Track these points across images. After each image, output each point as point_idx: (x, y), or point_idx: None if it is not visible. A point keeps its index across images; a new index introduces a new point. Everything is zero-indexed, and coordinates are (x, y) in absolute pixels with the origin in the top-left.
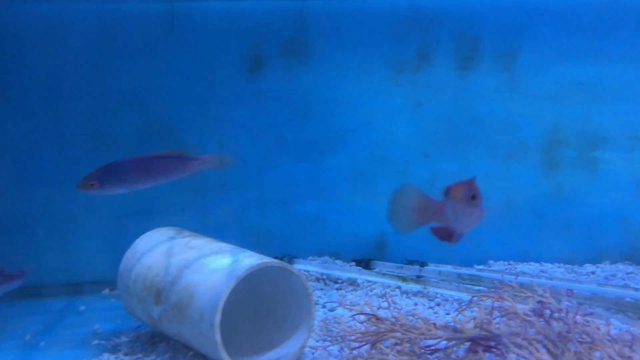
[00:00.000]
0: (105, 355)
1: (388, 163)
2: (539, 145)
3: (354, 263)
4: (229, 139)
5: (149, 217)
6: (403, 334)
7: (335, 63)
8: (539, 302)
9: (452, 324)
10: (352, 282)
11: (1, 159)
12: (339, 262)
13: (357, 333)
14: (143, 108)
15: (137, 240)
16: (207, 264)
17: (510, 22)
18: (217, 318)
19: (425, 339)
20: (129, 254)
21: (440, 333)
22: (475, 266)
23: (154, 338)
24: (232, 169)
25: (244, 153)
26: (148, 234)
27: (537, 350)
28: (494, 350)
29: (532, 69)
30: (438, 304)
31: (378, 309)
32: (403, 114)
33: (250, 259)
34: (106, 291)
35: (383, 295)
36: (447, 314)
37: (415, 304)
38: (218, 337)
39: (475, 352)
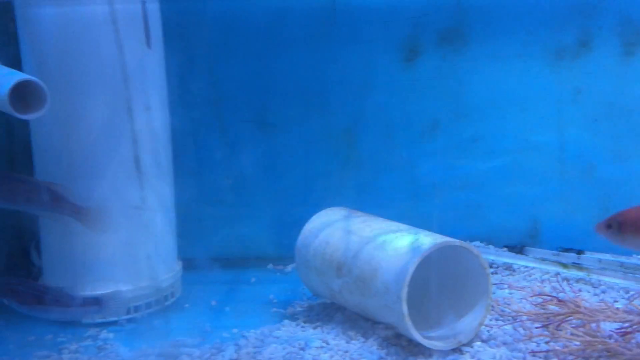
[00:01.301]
0: (286, 322)
1: (542, 151)
2: None
3: (506, 249)
4: (382, 126)
5: (306, 199)
6: (588, 315)
7: (491, 51)
8: None
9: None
10: (508, 267)
11: (180, 143)
12: (491, 246)
13: (533, 314)
14: (304, 96)
15: (313, 218)
16: (388, 241)
17: None
18: (404, 291)
19: (613, 321)
20: (305, 230)
21: (629, 317)
22: (635, 255)
23: (327, 309)
24: (384, 155)
25: (397, 140)
26: (322, 212)
27: None
28: None
29: None
30: (604, 292)
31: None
32: (561, 102)
33: (430, 237)
34: (270, 266)
35: (542, 281)
36: (615, 301)
37: (579, 290)
38: (405, 309)
39: None
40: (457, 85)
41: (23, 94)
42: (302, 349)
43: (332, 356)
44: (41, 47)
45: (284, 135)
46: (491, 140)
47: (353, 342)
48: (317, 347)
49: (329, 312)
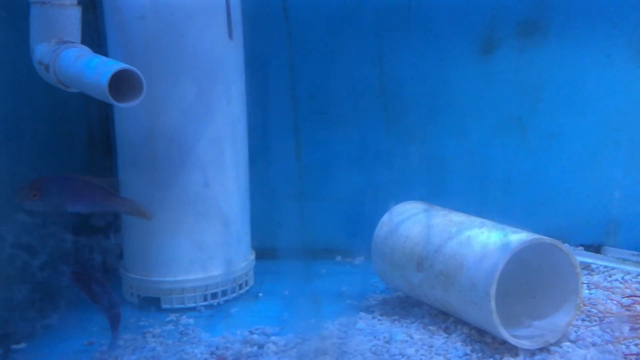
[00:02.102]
0: (362, 314)
1: (622, 148)
2: None
3: (582, 248)
4: (457, 119)
5: (376, 194)
6: None
7: (571, 45)
8: None
9: None
10: (586, 267)
11: (253, 133)
12: (566, 245)
13: (621, 315)
14: (375, 89)
15: (390, 211)
16: (474, 236)
17: None
18: (493, 288)
19: None
20: (382, 224)
21: None
22: None
23: (403, 303)
24: (456, 150)
25: (470, 135)
26: (399, 206)
27: None
28: None
29: None
30: None
31: (622, 297)
32: None
33: (519, 235)
34: (339, 258)
35: (624, 282)
36: None
37: None
38: (493, 305)
39: None
40: (535, 80)
41: (118, 83)
42: (388, 342)
43: (417, 350)
44: (128, 37)
45: (354, 128)
46: (569, 135)
47: (436, 337)
48: (401, 341)
49: (404, 306)
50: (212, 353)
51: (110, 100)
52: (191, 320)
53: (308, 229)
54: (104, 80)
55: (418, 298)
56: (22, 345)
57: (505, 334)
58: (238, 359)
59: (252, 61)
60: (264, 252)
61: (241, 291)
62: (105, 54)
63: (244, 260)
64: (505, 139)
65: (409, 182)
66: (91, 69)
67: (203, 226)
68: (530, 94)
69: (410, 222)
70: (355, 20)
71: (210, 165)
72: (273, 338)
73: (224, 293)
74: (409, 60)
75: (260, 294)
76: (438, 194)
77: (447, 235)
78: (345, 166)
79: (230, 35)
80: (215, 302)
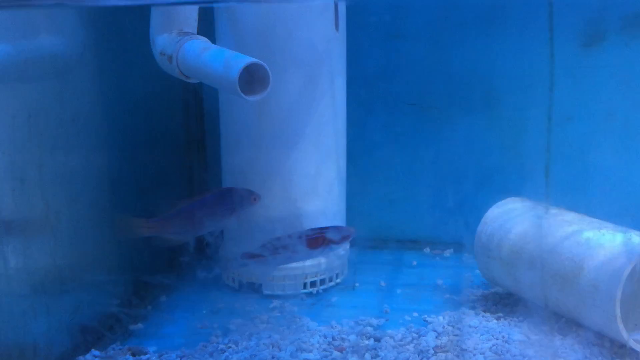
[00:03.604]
0: (465, 310)
1: None
2: None
3: None
4: (553, 113)
5: (465, 186)
6: None
7: None
8: None
9: None
10: None
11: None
12: None
13: None
14: (469, 81)
15: (493, 208)
16: (594, 238)
17: None
18: (618, 293)
19: None
20: (486, 219)
21: None
22: None
23: (504, 299)
24: (555, 145)
25: (570, 130)
26: (503, 203)
27: None
28: None
29: None
30: None
31: None
32: None
33: None
34: (427, 250)
35: None
36: None
37: None
38: (617, 310)
39: None
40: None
41: (243, 77)
42: (506, 341)
43: (537, 351)
44: (238, 29)
45: (447, 120)
46: None
47: (551, 338)
48: (519, 341)
49: (506, 303)
50: (329, 344)
51: (239, 94)
52: (295, 308)
53: (396, 219)
54: (235, 74)
55: (525, 296)
56: (140, 326)
57: (630, 340)
58: (356, 351)
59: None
60: (352, 242)
61: (337, 280)
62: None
63: (342, 249)
64: (606, 137)
65: (500, 178)
66: (220, 62)
67: (305, 215)
68: (634, 89)
69: (519, 219)
70: (452, 10)
71: (315, 156)
72: (390, 332)
73: (322, 282)
74: (506, 51)
75: (357, 284)
76: (533, 191)
77: (562, 235)
78: (435, 157)
79: (336, 27)
80: (314, 290)
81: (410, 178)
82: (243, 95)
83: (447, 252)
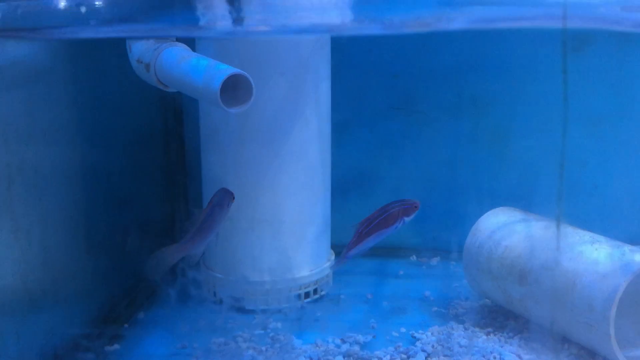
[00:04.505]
0: (453, 324)
1: None
2: None
3: None
4: (540, 120)
5: (451, 193)
6: None
7: None
8: None
9: None
10: None
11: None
12: None
13: None
14: (456, 84)
15: (482, 218)
16: (586, 252)
17: None
18: (612, 311)
19: None
20: (475, 230)
21: None
22: None
23: (494, 313)
24: (541, 152)
25: (558, 135)
26: (492, 213)
27: None
28: None
29: None
30: None
31: None
32: None
33: (638, 253)
34: (413, 257)
35: None
36: None
37: None
38: (612, 330)
39: None
40: (626, 79)
41: (225, 85)
42: None
43: None
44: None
45: (434, 125)
46: None
47: (544, 356)
48: None
49: (495, 316)
50: None
51: (221, 105)
52: (279, 325)
53: None
54: (216, 85)
55: (516, 311)
56: (116, 347)
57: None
58: None
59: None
60: (335, 249)
61: (322, 292)
62: (194, 51)
63: (326, 260)
64: (595, 141)
65: (489, 184)
66: (199, 73)
67: (289, 225)
68: (621, 94)
69: (508, 230)
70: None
71: (299, 165)
72: (378, 353)
73: (306, 295)
74: (493, 52)
75: (342, 296)
76: (521, 199)
77: (554, 249)
78: (420, 163)
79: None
80: (298, 304)
81: (394, 183)
82: (225, 107)
83: (434, 260)
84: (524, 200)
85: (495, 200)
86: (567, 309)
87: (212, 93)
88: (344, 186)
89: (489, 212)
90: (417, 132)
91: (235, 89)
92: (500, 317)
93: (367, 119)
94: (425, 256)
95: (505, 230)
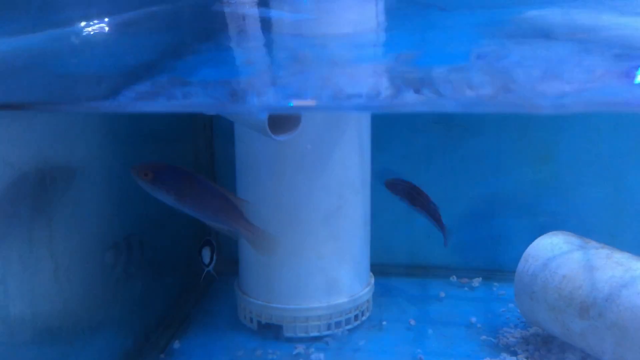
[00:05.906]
0: (505, 356)
1: None
2: None
3: None
4: (587, 135)
5: (492, 210)
6: None
7: None
8: None
9: None
10: None
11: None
12: None
13: None
14: None
15: (534, 244)
16: None
17: None
18: None
19: None
20: (527, 256)
21: None
22: None
23: (547, 343)
24: (588, 168)
25: (604, 151)
26: (544, 237)
27: None
28: None
29: None
30: None
31: None
32: None
33: None
34: (453, 278)
35: None
36: None
37: None
38: None
39: None
40: None
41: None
42: None
43: None
44: None
45: (476, 139)
46: None
47: None
48: None
49: (549, 347)
50: None
51: (269, 134)
52: (321, 355)
53: (419, 244)
54: (264, 114)
55: (576, 345)
56: None
57: None
58: None
59: None
60: (373, 268)
61: (363, 318)
62: None
63: (367, 285)
64: None
65: (532, 202)
66: None
67: (329, 251)
68: None
69: (566, 259)
70: None
71: (341, 188)
72: None
73: (347, 321)
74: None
75: (384, 322)
76: (566, 218)
77: (619, 281)
78: (461, 179)
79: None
80: (339, 331)
81: (435, 200)
82: (272, 135)
83: (476, 282)
84: (571, 220)
85: (538, 218)
86: (634, 347)
87: (260, 122)
88: (383, 205)
89: (542, 237)
90: (458, 147)
91: (278, 117)
92: (555, 349)
93: (406, 134)
94: (465, 276)
95: (561, 258)
